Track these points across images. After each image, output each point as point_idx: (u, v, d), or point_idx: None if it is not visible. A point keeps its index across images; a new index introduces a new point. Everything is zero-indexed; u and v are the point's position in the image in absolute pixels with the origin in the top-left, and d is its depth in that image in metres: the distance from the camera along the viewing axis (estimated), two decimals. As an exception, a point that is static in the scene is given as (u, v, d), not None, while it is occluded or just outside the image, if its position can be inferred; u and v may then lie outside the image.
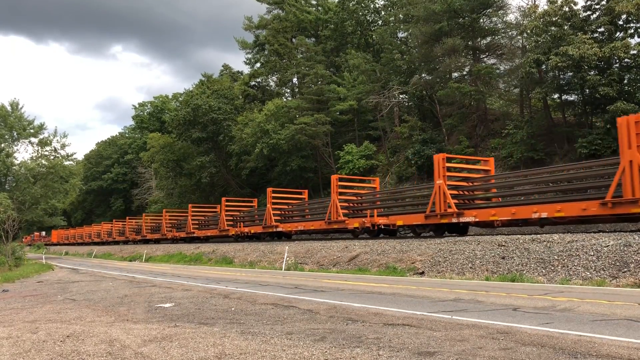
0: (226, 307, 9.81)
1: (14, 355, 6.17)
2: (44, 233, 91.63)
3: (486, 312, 8.01)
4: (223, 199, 34.39)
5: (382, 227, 20.76)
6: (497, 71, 33.12)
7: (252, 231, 29.66)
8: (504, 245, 14.34)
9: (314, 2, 55.23)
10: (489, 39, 33.96)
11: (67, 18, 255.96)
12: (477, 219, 16.98)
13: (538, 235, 14.37)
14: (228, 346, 6.15)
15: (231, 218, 32.97)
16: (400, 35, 42.22)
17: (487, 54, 34.37)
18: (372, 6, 48.51)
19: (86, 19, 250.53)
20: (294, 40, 50.34)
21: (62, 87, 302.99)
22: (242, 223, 31.72)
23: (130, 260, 37.24)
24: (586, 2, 25.78)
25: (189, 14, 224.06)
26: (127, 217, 56.64)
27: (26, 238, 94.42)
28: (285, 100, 48.98)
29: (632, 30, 24.55)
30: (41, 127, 49.89)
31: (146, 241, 47.52)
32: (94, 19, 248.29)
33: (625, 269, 11.16)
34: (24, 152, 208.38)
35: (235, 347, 6.06)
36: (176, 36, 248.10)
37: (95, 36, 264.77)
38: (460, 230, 19.09)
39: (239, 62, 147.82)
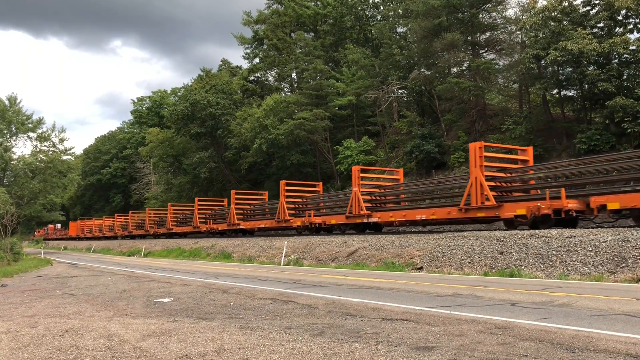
0: (225, 302, 9.82)
1: (13, 350, 6.18)
2: (59, 226, 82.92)
3: (484, 307, 8.02)
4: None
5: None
6: (496, 66, 33.12)
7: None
8: (502, 241, 14.36)
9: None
10: (488, 34, 33.93)
11: (66, 12, 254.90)
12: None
13: (537, 231, 14.40)
14: (227, 341, 6.16)
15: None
16: (399, 30, 42.16)
17: (486, 49, 34.34)
18: (371, 1, 48.44)
19: (85, 13, 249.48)
20: (292, 35, 50.24)
21: (62, 82, 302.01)
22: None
23: (129, 255, 37.24)
24: (585, -3, 25.75)
25: (188, 9, 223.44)
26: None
27: (39, 232, 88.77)
28: (284, 95, 48.92)
29: (632, 26, 24.54)
30: (39, 122, 49.91)
31: (144, 236, 47.43)
32: (93, 13, 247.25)
33: (623, 264, 11.18)
34: (22, 147, 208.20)
35: (234, 342, 6.07)
36: (175, 31, 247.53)
37: (95, 31, 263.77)
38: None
39: (238, 57, 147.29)
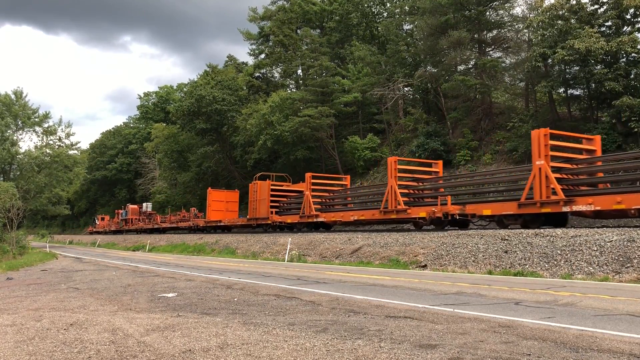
0: (229, 297, 9.85)
1: (18, 343, 6.22)
2: (148, 206, 56.51)
3: (488, 305, 8.01)
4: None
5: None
6: (503, 64, 32.95)
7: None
8: (507, 239, 14.32)
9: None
10: (495, 32, 33.75)
11: (76, 7, 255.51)
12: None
13: (541, 230, 14.35)
14: (230, 336, 6.18)
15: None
16: (405, 27, 41.99)
17: (492, 47, 34.18)
18: (377, -2, 48.28)
19: (95, 8, 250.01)
20: (298, 31, 50.14)
21: (73, 78, 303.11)
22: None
23: (134, 250, 37.41)
24: (594, -4, 25.56)
25: (198, 6, 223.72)
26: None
27: (103, 219, 68.13)
28: (289, 91, 48.85)
29: (640, 25, 24.35)
30: (46, 116, 50.13)
31: (151, 231, 47.47)
32: (102, 8, 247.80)
33: (628, 265, 11.13)
34: (28, 141, 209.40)
35: (237, 337, 6.09)
36: (186, 28, 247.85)
37: (104, 26, 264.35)
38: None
39: (246, 53, 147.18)
